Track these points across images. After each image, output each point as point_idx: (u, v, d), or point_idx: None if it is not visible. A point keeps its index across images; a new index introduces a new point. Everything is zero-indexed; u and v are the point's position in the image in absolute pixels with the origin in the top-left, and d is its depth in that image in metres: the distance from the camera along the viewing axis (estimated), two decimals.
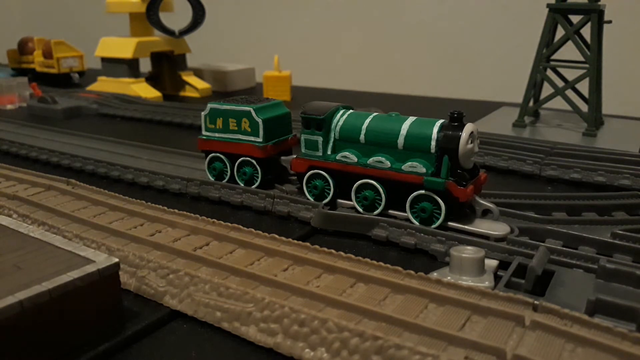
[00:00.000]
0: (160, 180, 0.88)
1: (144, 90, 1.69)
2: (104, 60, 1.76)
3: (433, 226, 0.67)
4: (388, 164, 0.70)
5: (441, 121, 0.68)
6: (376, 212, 0.71)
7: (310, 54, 2.07)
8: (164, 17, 1.73)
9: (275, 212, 0.77)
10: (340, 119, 0.74)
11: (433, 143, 0.67)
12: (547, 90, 1.24)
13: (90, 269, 0.47)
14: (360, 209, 0.73)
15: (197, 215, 0.68)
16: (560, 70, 1.26)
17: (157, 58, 1.84)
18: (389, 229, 0.68)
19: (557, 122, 1.29)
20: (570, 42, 1.18)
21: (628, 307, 0.48)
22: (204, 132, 0.83)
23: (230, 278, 0.56)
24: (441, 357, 0.40)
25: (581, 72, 1.17)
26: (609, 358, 0.41)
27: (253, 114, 0.78)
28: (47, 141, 1.14)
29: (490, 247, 0.61)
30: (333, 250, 0.58)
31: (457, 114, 0.67)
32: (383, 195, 0.71)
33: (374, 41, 1.96)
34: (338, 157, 0.73)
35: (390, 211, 0.71)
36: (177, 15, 1.78)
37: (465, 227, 0.66)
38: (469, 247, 0.58)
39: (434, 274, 0.55)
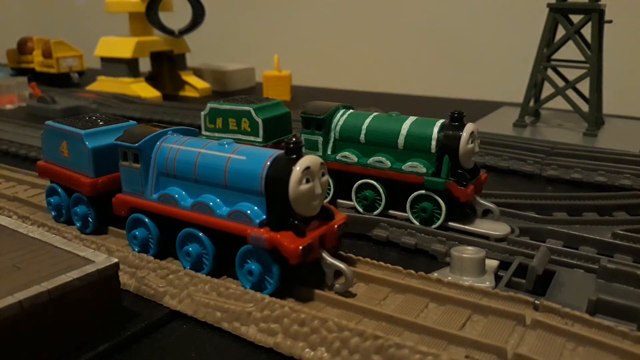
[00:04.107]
0: None
1: (144, 90, 1.69)
2: (104, 59, 1.76)
3: (433, 226, 0.67)
4: (388, 163, 0.69)
5: (441, 121, 0.68)
6: (376, 212, 0.71)
7: (310, 54, 2.07)
8: (164, 17, 1.72)
9: None
10: (340, 119, 0.74)
11: (433, 143, 0.67)
12: (547, 90, 1.24)
13: (89, 269, 0.47)
14: (360, 209, 0.72)
15: None
16: (561, 70, 1.26)
17: (157, 58, 1.84)
18: (389, 229, 0.68)
19: (558, 122, 1.29)
20: (570, 42, 1.18)
21: (629, 307, 0.48)
22: (203, 132, 0.83)
23: (230, 278, 0.56)
24: (442, 356, 0.40)
25: (582, 71, 1.17)
26: (610, 357, 0.41)
27: (253, 113, 0.77)
28: None
29: (490, 247, 0.61)
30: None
31: (457, 114, 0.67)
32: (383, 195, 0.70)
33: (374, 41, 1.96)
34: (338, 157, 0.73)
35: (391, 211, 0.71)
36: (176, 15, 1.78)
37: (466, 227, 0.66)
38: (469, 247, 0.58)
39: (435, 274, 0.55)
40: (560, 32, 1.20)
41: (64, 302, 0.45)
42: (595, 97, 1.18)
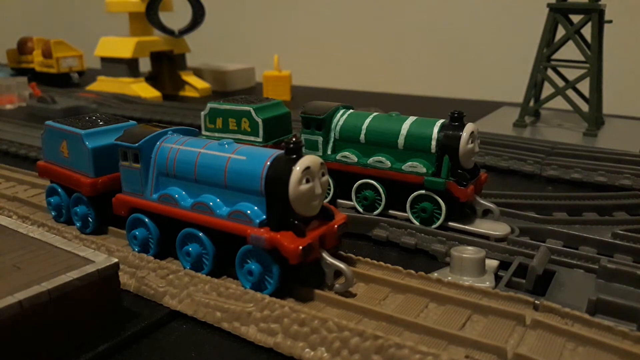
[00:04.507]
0: None
1: (144, 90, 1.69)
2: (104, 59, 1.76)
3: (433, 226, 0.67)
4: (388, 163, 0.69)
5: (441, 121, 0.68)
6: (376, 212, 0.71)
7: (310, 54, 2.07)
8: (164, 17, 1.72)
9: None
10: (340, 118, 0.74)
11: (433, 143, 0.67)
12: (547, 90, 1.24)
13: (89, 269, 0.47)
14: (360, 209, 0.72)
15: None
16: (561, 70, 1.26)
17: (157, 58, 1.84)
18: (389, 229, 0.68)
19: (558, 122, 1.29)
20: (570, 42, 1.18)
21: (629, 307, 0.48)
22: (203, 132, 0.83)
23: (230, 278, 0.56)
24: (442, 356, 0.40)
25: (582, 71, 1.17)
26: (610, 357, 0.41)
27: (253, 113, 0.77)
28: None
29: (490, 247, 0.61)
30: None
31: (457, 114, 0.67)
32: (383, 195, 0.70)
33: (374, 41, 1.96)
34: (338, 157, 0.73)
35: (391, 211, 0.71)
36: (176, 15, 1.78)
37: (466, 227, 0.66)
38: (469, 247, 0.58)
39: (435, 274, 0.55)
40: (560, 32, 1.20)
41: (64, 302, 0.45)
42: (595, 97, 1.18)
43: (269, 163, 0.51)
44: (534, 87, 1.25)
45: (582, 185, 0.88)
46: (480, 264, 0.56)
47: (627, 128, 1.25)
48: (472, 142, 0.66)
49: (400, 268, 0.55)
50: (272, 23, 2.17)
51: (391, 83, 1.89)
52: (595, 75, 1.16)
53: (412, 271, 0.54)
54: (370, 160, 0.71)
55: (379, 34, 1.95)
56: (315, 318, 0.45)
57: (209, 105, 0.81)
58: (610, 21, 1.17)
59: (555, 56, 1.23)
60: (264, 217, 0.51)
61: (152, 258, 0.57)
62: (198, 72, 1.87)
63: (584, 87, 1.21)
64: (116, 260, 0.49)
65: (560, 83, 1.23)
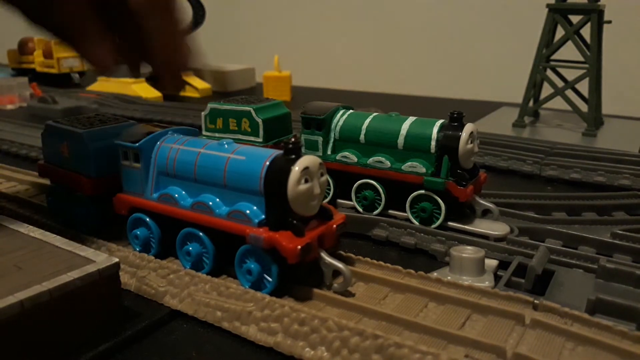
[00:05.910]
0: None
1: (144, 90, 1.69)
2: None
3: (433, 226, 0.67)
4: (388, 164, 0.70)
5: (441, 121, 0.68)
6: (376, 212, 0.71)
7: (310, 54, 2.07)
8: None
9: None
10: (340, 119, 0.74)
11: (433, 143, 0.67)
12: (547, 90, 1.24)
13: (90, 269, 0.47)
14: (360, 209, 0.73)
15: None
16: (560, 70, 1.26)
17: None
18: (389, 228, 0.68)
19: (557, 122, 1.29)
20: (570, 42, 1.18)
21: (628, 307, 0.48)
22: (204, 132, 0.83)
23: (230, 277, 0.56)
24: (441, 355, 0.40)
25: (581, 72, 1.17)
26: (609, 357, 0.41)
27: (253, 114, 0.77)
28: None
29: (490, 247, 0.61)
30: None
31: (457, 114, 0.67)
32: (383, 195, 0.71)
33: (374, 41, 1.96)
34: (338, 157, 0.73)
35: (390, 211, 0.71)
36: None
37: (465, 227, 0.66)
38: (469, 247, 0.58)
39: (434, 274, 0.55)
40: (560, 32, 1.21)
41: (65, 301, 0.45)
42: (595, 98, 1.18)
43: (268, 163, 0.52)
44: (533, 87, 1.25)
45: (581, 185, 0.88)
46: (479, 263, 0.56)
47: (626, 128, 1.25)
48: (471, 142, 0.66)
49: (399, 268, 0.55)
50: (272, 23, 2.17)
51: (391, 83, 1.89)
52: (595, 75, 1.16)
53: (412, 271, 0.54)
54: (370, 160, 0.71)
55: (378, 34, 1.95)
56: (315, 317, 0.45)
57: (210, 105, 0.81)
58: (610, 21, 1.17)
59: (554, 56, 1.23)
60: (263, 216, 0.51)
61: (152, 258, 0.57)
62: (198, 73, 1.87)
63: (583, 87, 1.21)
64: (117, 260, 0.49)
65: (560, 83, 1.23)
